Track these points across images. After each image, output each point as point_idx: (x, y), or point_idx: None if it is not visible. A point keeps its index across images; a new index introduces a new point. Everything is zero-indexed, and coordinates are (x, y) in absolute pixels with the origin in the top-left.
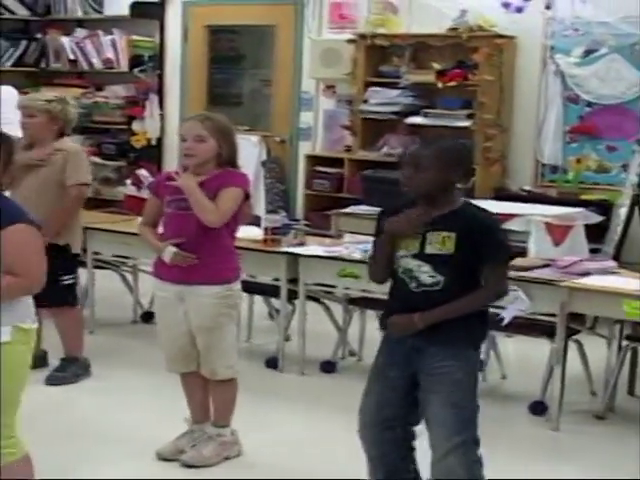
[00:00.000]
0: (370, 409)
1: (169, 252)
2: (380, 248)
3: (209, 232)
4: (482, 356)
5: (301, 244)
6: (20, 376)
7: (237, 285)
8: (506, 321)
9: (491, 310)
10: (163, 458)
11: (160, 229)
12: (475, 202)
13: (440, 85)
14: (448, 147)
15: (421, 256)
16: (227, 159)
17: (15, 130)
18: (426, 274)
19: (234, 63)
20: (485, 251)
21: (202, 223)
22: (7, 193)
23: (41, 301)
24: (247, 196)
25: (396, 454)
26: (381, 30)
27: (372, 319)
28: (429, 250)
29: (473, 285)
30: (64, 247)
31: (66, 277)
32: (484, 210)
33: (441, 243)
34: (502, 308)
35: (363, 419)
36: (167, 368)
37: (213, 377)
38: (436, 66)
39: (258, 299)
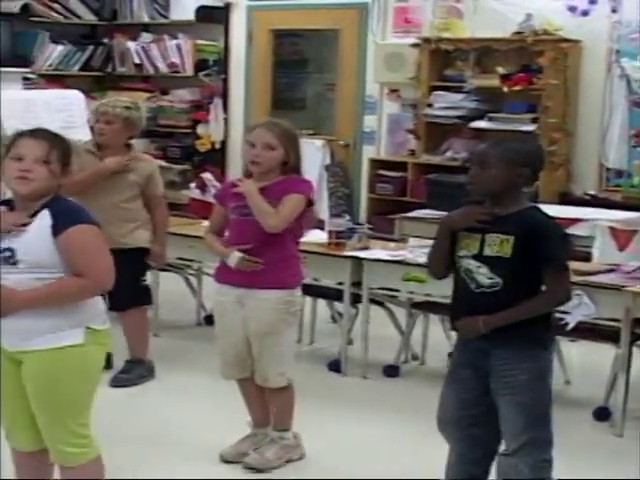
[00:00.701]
0: (449, 405)
1: (234, 257)
2: (438, 240)
3: (272, 238)
4: None
5: (365, 248)
6: (93, 377)
7: (298, 291)
8: (571, 326)
9: (556, 315)
10: (226, 461)
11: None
12: (540, 207)
13: (505, 89)
14: (517, 147)
15: (480, 257)
16: (292, 166)
17: (82, 134)
18: (484, 275)
19: (298, 67)
20: (543, 257)
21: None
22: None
23: (121, 302)
24: (310, 202)
25: (476, 454)
26: (446, 34)
27: (435, 323)
28: (487, 252)
29: (533, 288)
30: (144, 249)
31: (144, 278)
32: (546, 215)
33: (499, 245)
34: (567, 313)
35: (443, 414)
36: (222, 374)
37: (265, 384)
38: (501, 70)
39: (321, 302)
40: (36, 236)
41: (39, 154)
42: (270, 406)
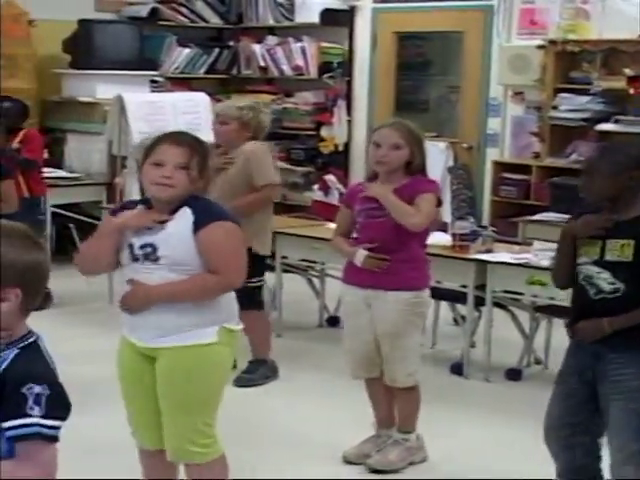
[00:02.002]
0: (553, 413)
1: (361, 255)
2: (561, 250)
3: (400, 239)
4: None
5: (489, 251)
6: (223, 377)
7: (425, 293)
8: None
9: None
10: (349, 461)
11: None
12: None
13: (632, 91)
14: (626, 151)
15: (601, 263)
16: (417, 167)
17: (207, 136)
18: (605, 281)
19: (421, 69)
20: None
21: (393, 230)
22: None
23: (240, 303)
24: (439, 202)
25: (581, 461)
26: (572, 36)
27: (559, 327)
28: (609, 257)
29: None
30: (252, 250)
31: (254, 280)
32: None
33: (620, 250)
34: None
35: (547, 422)
36: (351, 374)
37: (393, 384)
38: (628, 72)
39: (443, 305)
40: (177, 233)
41: (180, 160)
42: (396, 407)
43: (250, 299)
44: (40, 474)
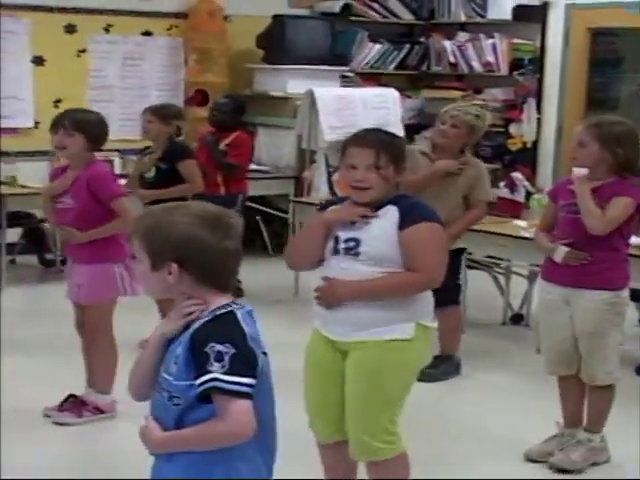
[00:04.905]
0: None
1: (561, 251)
2: None
3: (601, 238)
4: None
5: None
6: (414, 374)
7: (625, 293)
8: None
9: None
10: (531, 459)
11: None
12: None
13: None
14: None
15: None
16: (626, 166)
17: (395, 132)
18: None
19: (613, 66)
20: None
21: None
22: None
23: (442, 300)
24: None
25: None
26: None
27: None
28: None
29: None
30: (460, 249)
31: (459, 277)
32: None
33: None
34: None
35: None
36: (547, 370)
37: (592, 382)
38: None
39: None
40: (381, 230)
41: (368, 162)
42: (588, 406)
43: (450, 295)
44: (229, 427)
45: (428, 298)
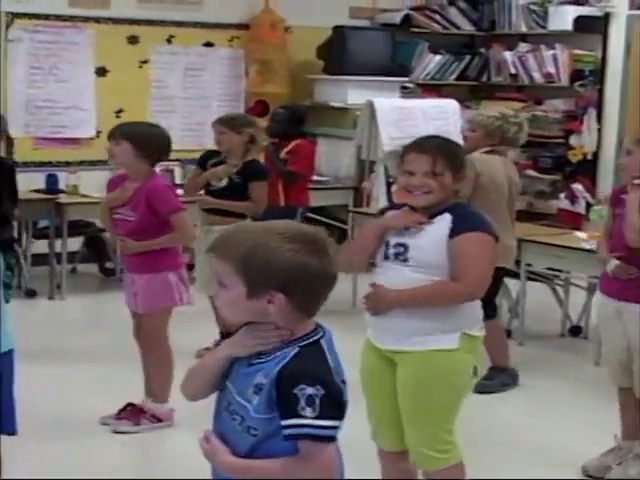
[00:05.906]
0: None
1: (611, 264)
2: None
3: None
4: None
5: None
6: (463, 383)
7: None
8: None
9: None
10: (588, 474)
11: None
12: None
13: None
14: None
15: None
16: None
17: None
18: None
19: None
20: None
21: None
22: None
23: None
24: None
25: None
26: None
27: None
28: None
29: None
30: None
31: (496, 295)
32: None
33: None
34: None
35: None
36: (610, 380)
37: None
38: None
39: None
40: (433, 236)
41: (426, 168)
42: None
43: (487, 307)
44: (317, 474)
45: (475, 307)
